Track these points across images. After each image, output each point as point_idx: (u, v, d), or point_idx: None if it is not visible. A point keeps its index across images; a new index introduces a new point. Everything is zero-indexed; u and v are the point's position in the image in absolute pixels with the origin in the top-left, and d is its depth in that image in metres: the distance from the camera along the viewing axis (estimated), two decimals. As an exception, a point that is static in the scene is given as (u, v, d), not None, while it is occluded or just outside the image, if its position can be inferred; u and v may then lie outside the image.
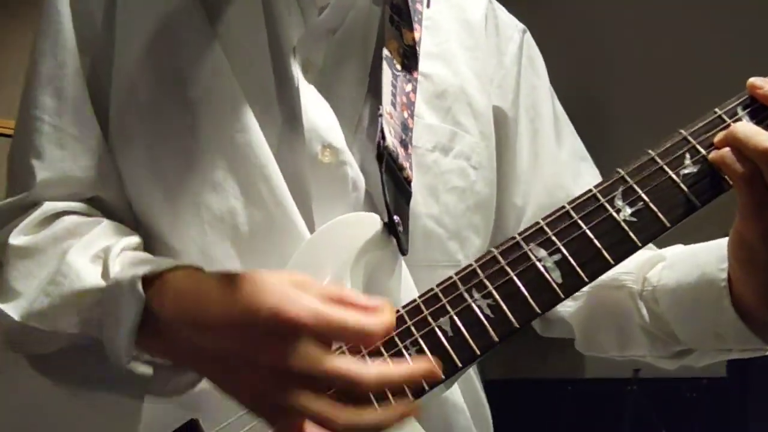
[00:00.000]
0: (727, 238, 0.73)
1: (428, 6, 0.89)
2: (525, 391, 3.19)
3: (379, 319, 0.62)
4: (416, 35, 0.86)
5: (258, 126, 0.77)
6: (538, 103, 0.97)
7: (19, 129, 0.82)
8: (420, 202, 0.81)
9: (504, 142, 0.92)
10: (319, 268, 0.73)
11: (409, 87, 0.83)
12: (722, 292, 0.73)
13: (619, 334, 0.88)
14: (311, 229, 0.76)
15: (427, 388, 0.65)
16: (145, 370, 0.69)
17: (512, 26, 0.99)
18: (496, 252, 0.68)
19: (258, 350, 0.60)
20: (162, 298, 0.65)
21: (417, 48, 0.85)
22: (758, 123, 0.67)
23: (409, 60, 0.83)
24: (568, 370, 3.13)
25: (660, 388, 2.67)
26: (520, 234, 0.69)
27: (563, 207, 0.68)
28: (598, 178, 0.91)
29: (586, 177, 0.96)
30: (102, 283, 0.69)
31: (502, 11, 1.00)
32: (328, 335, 0.61)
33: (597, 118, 3.12)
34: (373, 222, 0.76)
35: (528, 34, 1.01)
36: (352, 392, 0.60)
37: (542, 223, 0.68)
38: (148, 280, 0.65)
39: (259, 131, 0.77)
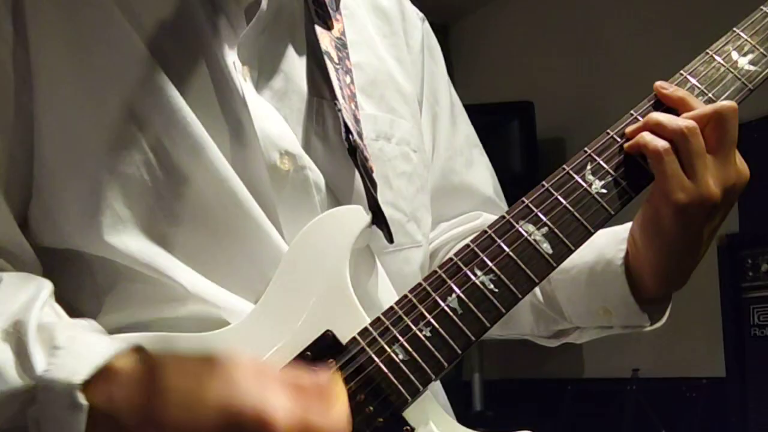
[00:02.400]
0: (622, 226, 0.84)
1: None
2: (524, 391, 3.19)
3: (340, 410, 0.59)
4: (341, 26, 0.86)
5: (211, 142, 0.73)
6: (438, 89, 1.00)
7: None
8: (377, 191, 0.81)
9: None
10: (311, 270, 0.72)
11: (348, 79, 0.83)
12: (618, 269, 0.83)
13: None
14: (280, 231, 0.75)
15: (446, 365, 0.69)
16: None
17: (415, 14, 1.00)
18: (489, 231, 0.74)
19: None
20: (108, 393, 0.57)
21: (344, 38, 0.85)
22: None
23: (341, 51, 0.84)
24: (567, 369, 3.13)
25: (659, 388, 2.67)
26: (508, 213, 0.75)
27: (542, 185, 0.76)
28: (488, 164, 1.06)
29: (477, 164, 1.03)
30: (26, 382, 0.58)
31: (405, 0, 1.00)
32: None
33: (597, 119, 3.13)
34: (360, 213, 0.76)
35: (427, 23, 1.01)
36: None
37: (527, 200, 0.75)
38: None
39: (215, 147, 0.72)
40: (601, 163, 0.78)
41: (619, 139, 0.80)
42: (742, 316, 2.45)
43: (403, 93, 0.90)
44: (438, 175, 0.97)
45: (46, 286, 0.68)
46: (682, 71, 0.85)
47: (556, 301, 0.90)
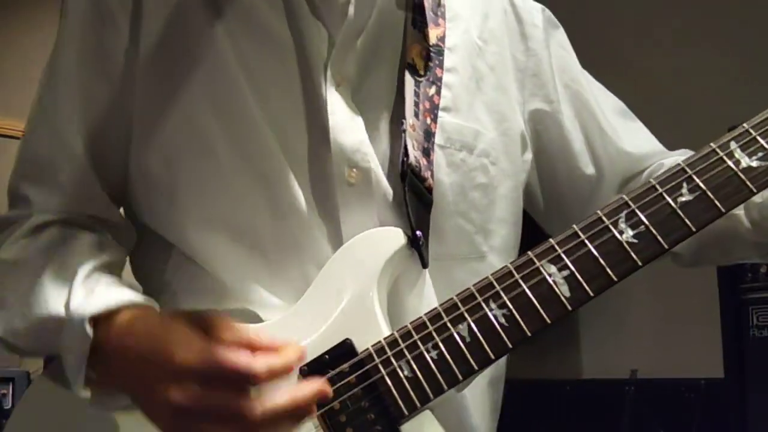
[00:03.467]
0: None
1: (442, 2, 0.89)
2: (523, 392, 3.19)
3: (266, 360, 0.67)
4: (440, 31, 0.87)
5: (277, 144, 0.79)
6: (573, 72, 1.00)
7: (19, 153, 0.87)
8: (450, 200, 0.84)
9: (551, 130, 0.96)
10: (343, 283, 0.77)
11: (432, 90, 0.84)
12: None
13: (722, 247, 0.92)
14: (338, 242, 0.79)
15: (446, 387, 0.72)
16: (86, 393, 0.74)
17: (532, 9, 1.00)
18: (511, 267, 0.75)
19: (161, 389, 0.66)
20: (107, 334, 0.72)
21: (442, 45, 0.86)
22: (749, 155, 0.74)
23: (432, 61, 0.85)
24: (566, 370, 3.13)
25: (658, 389, 2.67)
26: (532, 251, 0.75)
27: (572, 228, 0.75)
28: (645, 129, 1.03)
29: (640, 133, 1.02)
30: (62, 313, 0.73)
31: None
32: (211, 376, 0.66)
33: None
34: (397, 236, 0.79)
35: (547, 11, 1.03)
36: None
37: (553, 242, 0.75)
38: (101, 315, 0.72)
39: (279, 149, 0.79)
40: (637, 211, 0.74)
41: (659, 188, 0.75)
42: (741, 317, 2.45)
43: (491, 104, 0.90)
44: (618, 152, 0.98)
45: (114, 254, 0.82)
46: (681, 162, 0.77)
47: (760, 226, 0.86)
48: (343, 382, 0.74)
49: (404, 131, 0.80)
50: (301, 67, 0.81)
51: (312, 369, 0.74)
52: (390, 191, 0.81)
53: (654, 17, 2.91)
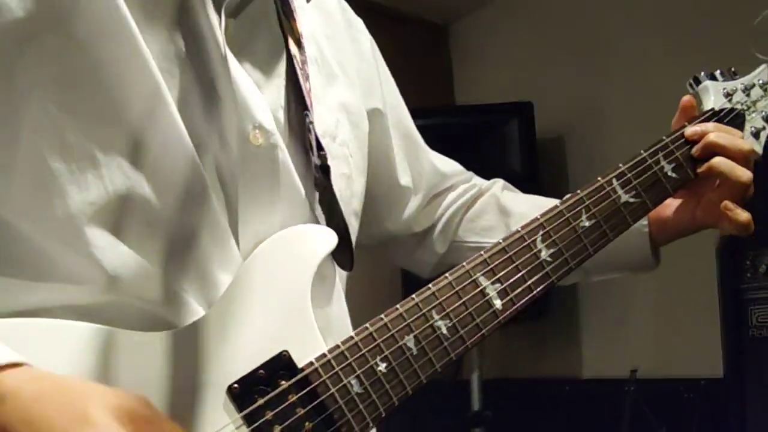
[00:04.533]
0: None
1: None
2: (522, 391, 3.19)
3: None
4: (297, 24, 0.83)
5: (171, 97, 0.66)
6: (393, 91, 1.03)
7: None
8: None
9: (380, 133, 0.97)
10: (275, 285, 0.69)
11: (308, 85, 0.81)
12: (642, 230, 0.99)
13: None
14: (235, 227, 0.70)
15: (396, 403, 0.71)
16: None
17: (357, 18, 1.00)
18: (450, 278, 0.77)
19: None
20: None
21: (301, 39, 0.83)
22: (626, 193, 0.91)
23: (302, 55, 0.82)
24: (565, 370, 3.13)
25: (658, 389, 2.67)
26: (467, 263, 0.79)
27: (498, 242, 0.81)
28: (451, 160, 1.12)
29: (445, 158, 1.10)
30: None
31: (345, 3, 1.00)
32: None
33: (597, 120, 3.12)
34: (330, 236, 0.75)
35: (362, 24, 1.02)
36: None
37: (485, 255, 0.80)
38: None
39: (171, 103, 0.66)
40: (550, 233, 0.84)
41: (566, 213, 0.86)
42: (741, 317, 2.45)
43: (342, 99, 0.88)
44: (429, 162, 1.05)
45: None
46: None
47: None
48: (285, 404, 0.65)
49: (312, 123, 0.76)
50: (191, 23, 0.70)
51: (244, 386, 0.64)
52: (297, 179, 0.74)
53: (653, 16, 2.91)
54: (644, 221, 0.99)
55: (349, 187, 0.86)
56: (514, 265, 0.80)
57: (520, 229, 0.83)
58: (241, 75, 0.71)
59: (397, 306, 0.74)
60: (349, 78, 0.91)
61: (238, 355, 0.65)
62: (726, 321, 2.49)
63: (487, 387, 2.87)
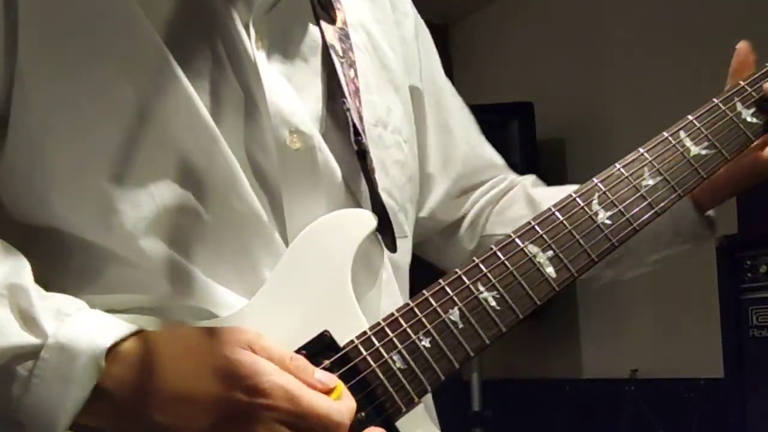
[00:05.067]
0: None
1: None
2: (523, 392, 3.19)
3: (345, 405, 0.62)
4: (342, 14, 0.83)
5: (207, 111, 0.68)
6: (435, 73, 1.01)
7: None
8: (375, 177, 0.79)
9: (418, 117, 0.95)
10: (314, 269, 0.70)
11: (351, 72, 0.80)
12: (688, 202, 0.91)
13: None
14: (282, 224, 0.71)
15: (442, 377, 0.69)
16: None
17: (405, 2, 0.99)
18: (495, 249, 0.74)
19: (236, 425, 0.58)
20: (117, 371, 0.58)
21: (346, 28, 0.83)
22: (697, 144, 0.83)
23: (344, 43, 0.82)
24: (565, 370, 3.13)
25: (658, 389, 2.67)
26: (514, 232, 0.75)
27: (549, 208, 0.77)
28: (494, 150, 1.07)
29: (488, 146, 1.06)
30: (34, 340, 0.58)
31: None
32: (298, 422, 0.59)
33: (597, 121, 3.12)
34: (368, 219, 0.74)
35: (412, 6, 1.01)
36: None
37: (533, 222, 0.75)
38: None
39: (209, 118, 0.68)
40: (608, 194, 0.78)
41: (624, 172, 0.81)
42: (741, 317, 2.45)
43: (395, 82, 0.88)
44: (460, 162, 1.00)
45: (23, 257, 0.64)
46: (640, 148, 0.85)
47: None
48: None
49: (348, 110, 0.75)
50: (221, 27, 0.71)
51: None
52: (337, 170, 0.75)
53: (654, 18, 2.91)
54: None
55: (403, 173, 0.85)
56: (567, 230, 0.75)
57: (572, 193, 0.78)
58: (274, 79, 0.72)
59: (440, 280, 0.72)
60: (400, 60, 0.91)
61: (281, 338, 0.66)
62: (726, 321, 2.49)
63: (488, 387, 2.88)
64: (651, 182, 0.79)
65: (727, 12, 2.68)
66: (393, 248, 0.78)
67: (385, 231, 0.77)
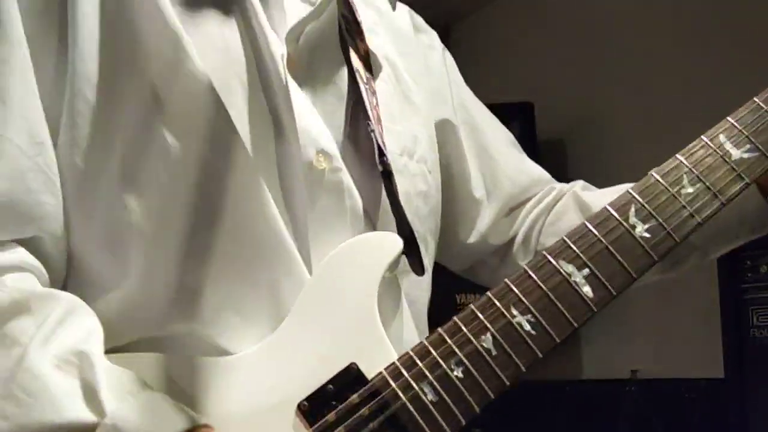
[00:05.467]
0: None
1: (393, 9, 0.89)
2: (522, 392, 3.18)
3: None
4: (365, 44, 0.84)
5: (236, 134, 0.68)
6: (467, 101, 1.01)
7: None
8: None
9: (452, 144, 0.95)
10: (339, 298, 0.68)
11: (375, 100, 0.80)
12: (753, 188, 0.81)
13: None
14: (305, 249, 0.70)
15: (477, 409, 0.65)
16: None
17: (430, 32, 1.01)
18: (527, 268, 0.69)
19: None
20: None
21: (368, 58, 0.84)
22: (738, 148, 0.77)
23: (368, 72, 0.82)
24: (565, 371, 3.12)
25: (658, 389, 2.67)
26: (546, 250, 0.70)
27: (583, 224, 0.72)
28: (537, 165, 1.04)
29: (529, 162, 1.04)
30: (92, 418, 0.56)
31: (418, 17, 1.01)
32: None
33: (598, 121, 3.12)
34: (395, 241, 0.72)
35: (437, 37, 1.03)
36: None
37: (567, 240, 0.71)
38: None
39: (238, 140, 0.68)
40: (645, 206, 0.73)
41: (662, 181, 0.75)
42: (742, 317, 2.45)
43: (419, 113, 0.88)
44: (507, 183, 0.99)
45: (93, 316, 0.64)
46: (677, 155, 0.79)
47: None
48: (354, 417, 0.62)
49: (373, 131, 0.74)
50: (255, 52, 0.73)
51: (314, 402, 0.63)
52: (358, 199, 0.74)
53: (655, 18, 2.91)
54: None
55: (426, 204, 0.85)
56: (603, 246, 0.70)
57: (607, 206, 0.73)
58: (303, 102, 0.73)
59: (471, 305, 0.67)
60: (425, 93, 0.91)
61: (307, 371, 0.64)
62: (727, 321, 2.49)
63: (488, 387, 2.87)
64: (691, 190, 0.74)
65: (728, 12, 2.67)
66: (421, 271, 0.75)
67: (412, 253, 0.74)
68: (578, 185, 1.02)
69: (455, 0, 3.55)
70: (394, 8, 0.89)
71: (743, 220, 0.87)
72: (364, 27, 0.86)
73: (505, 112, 3.43)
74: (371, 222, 0.75)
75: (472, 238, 0.97)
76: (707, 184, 0.74)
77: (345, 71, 0.79)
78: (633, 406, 2.69)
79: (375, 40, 0.88)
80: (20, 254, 0.64)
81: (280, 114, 0.72)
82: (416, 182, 0.83)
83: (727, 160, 0.76)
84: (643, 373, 2.72)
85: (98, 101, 0.67)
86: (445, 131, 0.94)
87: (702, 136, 0.78)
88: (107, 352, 0.63)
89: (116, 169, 0.67)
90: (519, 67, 3.42)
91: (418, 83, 0.90)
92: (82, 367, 0.58)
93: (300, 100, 0.73)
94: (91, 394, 0.57)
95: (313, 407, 0.63)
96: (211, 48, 0.70)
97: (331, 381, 0.64)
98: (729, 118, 0.79)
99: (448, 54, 1.02)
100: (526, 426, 3.04)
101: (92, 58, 0.67)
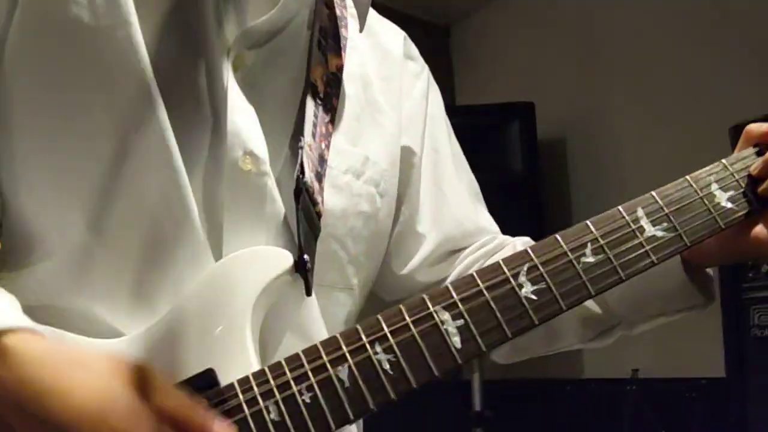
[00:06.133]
0: None
1: (360, 31, 0.88)
2: (523, 391, 3.19)
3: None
4: (340, 61, 0.85)
5: (169, 127, 0.70)
6: (438, 137, 1.00)
7: None
8: (329, 223, 0.79)
9: (409, 173, 0.94)
10: (217, 304, 0.69)
11: (328, 117, 0.81)
12: (675, 260, 0.81)
13: (548, 330, 0.89)
14: (218, 247, 0.72)
15: None
16: None
17: (421, 63, 1.01)
18: (402, 308, 0.68)
19: None
20: None
21: (340, 75, 0.84)
22: (654, 225, 0.74)
23: (331, 87, 0.82)
24: (566, 370, 3.13)
25: (659, 389, 2.67)
26: (428, 294, 0.69)
27: (471, 274, 0.70)
28: (490, 218, 1.02)
29: (484, 213, 1.02)
30: None
31: (413, 48, 1.01)
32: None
33: (598, 121, 3.12)
34: (284, 258, 0.72)
35: (427, 69, 1.02)
36: None
37: (450, 287, 0.69)
38: None
39: (170, 132, 0.70)
40: (539, 266, 0.70)
41: (564, 245, 0.72)
42: (742, 316, 2.45)
43: (384, 137, 0.89)
44: (451, 224, 0.97)
45: None
46: (653, 192, 0.76)
47: (605, 302, 0.86)
48: None
49: (301, 148, 0.74)
50: (203, 49, 0.74)
51: None
52: (281, 207, 0.75)
53: (656, 17, 2.91)
54: None
55: (367, 226, 0.84)
56: (485, 299, 0.68)
57: (501, 261, 0.70)
58: (240, 104, 0.74)
59: (337, 334, 0.67)
60: (397, 117, 0.92)
61: (170, 367, 0.66)
62: (727, 321, 2.49)
63: (488, 387, 2.88)
64: (592, 260, 0.71)
65: (728, 12, 2.68)
66: (308, 292, 0.75)
67: (300, 273, 0.74)
68: (524, 240, 1.01)
69: (455, 1, 3.56)
70: (361, 30, 0.88)
71: (664, 296, 0.85)
72: (348, 43, 0.87)
73: (505, 112, 3.46)
74: (291, 233, 0.76)
75: (404, 271, 0.96)
76: (610, 256, 0.71)
77: (301, 84, 0.80)
78: (634, 405, 2.69)
79: (356, 57, 0.88)
80: None
81: (218, 112, 0.73)
82: (358, 202, 0.83)
83: (638, 234, 0.72)
84: (644, 373, 2.72)
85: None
86: (405, 158, 0.93)
87: (619, 207, 0.74)
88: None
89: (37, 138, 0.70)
90: (519, 67, 3.43)
91: (391, 106, 0.91)
92: None
93: (238, 102, 0.74)
94: None
95: None
96: (164, 39, 0.72)
97: (188, 380, 0.65)
98: (653, 193, 0.75)
99: (434, 90, 1.01)
100: (527, 425, 3.04)
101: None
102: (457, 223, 0.98)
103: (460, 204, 0.99)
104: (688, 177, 0.77)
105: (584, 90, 3.15)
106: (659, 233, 0.73)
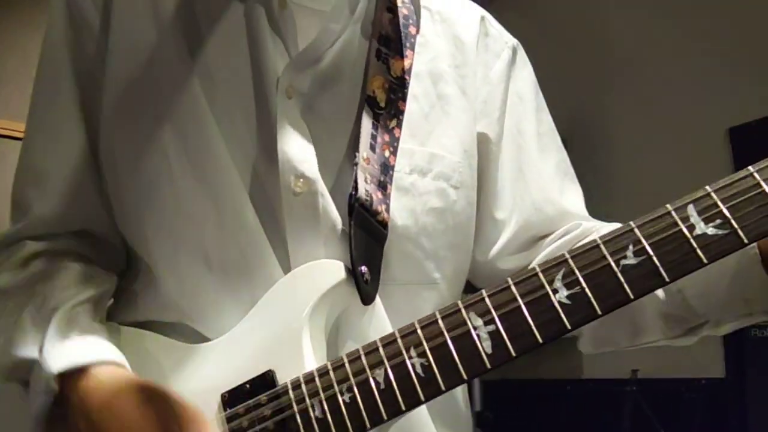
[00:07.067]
0: None
1: (417, 32, 0.89)
2: (524, 392, 3.19)
3: None
4: (407, 63, 0.86)
5: (230, 160, 0.80)
6: (523, 117, 0.98)
7: (20, 161, 0.88)
8: (399, 224, 0.82)
9: (486, 160, 0.93)
10: (277, 313, 0.78)
11: (393, 123, 0.83)
12: (754, 259, 0.74)
13: (631, 324, 0.88)
14: (286, 263, 0.78)
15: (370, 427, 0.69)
16: None
17: (502, 42, 0.99)
18: (438, 315, 0.70)
19: None
20: (72, 391, 0.71)
21: (407, 77, 0.85)
22: (707, 222, 0.67)
23: (395, 94, 0.84)
24: (566, 370, 3.13)
25: (658, 389, 2.67)
26: (462, 301, 0.70)
27: (506, 279, 0.69)
28: (581, 195, 0.99)
29: (570, 193, 0.99)
30: (35, 356, 0.74)
31: (494, 27, 1.00)
32: None
33: (598, 121, 3.12)
34: (337, 270, 0.77)
35: (520, 49, 1.01)
36: None
37: (485, 293, 0.69)
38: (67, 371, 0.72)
39: (232, 165, 0.79)
40: (575, 269, 0.68)
41: (607, 254, 0.68)
42: (742, 317, 2.45)
43: (457, 128, 0.89)
44: (530, 209, 0.95)
45: (100, 285, 0.83)
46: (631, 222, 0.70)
47: (686, 300, 0.82)
48: (257, 412, 0.73)
49: (356, 164, 0.79)
50: (255, 80, 0.81)
51: (232, 396, 0.75)
52: (338, 219, 0.80)
53: (654, 19, 2.91)
54: None
55: (442, 220, 0.86)
56: (517, 304, 0.68)
57: (536, 265, 0.69)
58: (292, 130, 0.80)
59: (377, 339, 0.71)
60: (471, 103, 0.91)
61: (237, 369, 0.76)
62: (727, 321, 2.49)
63: (489, 388, 2.88)
64: (632, 262, 0.67)
65: (728, 11, 2.67)
66: (366, 300, 0.78)
67: (356, 285, 0.78)
68: (610, 227, 0.93)
69: (455, 0, 3.55)
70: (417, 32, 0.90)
71: (747, 298, 0.78)
72: (418, 39, 0.89)
73: (505, 112, 3.42)
74: (350, 243, 0.79)
75: (487, 258, 0.95)
76: (653, 256, 0.67)
77: (357, 98, 0.83)
78: (633, 405, 2.69)
79: (426, 54, 0.90)
80: (58, 244, 0.86)
81: (267, 137, 0.80)
82: (426, 200, 0.85)
83: (687, 232, 0.66)
84: (644, 373, 2.72)
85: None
86: (481, 145, 0.93)
87: (668, 205, 0.68)
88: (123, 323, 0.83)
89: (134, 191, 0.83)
90: (519, 67, 3.43)
91: (465, 94, 0.91)
92: (49, 318, 0.76)
93: (290, 125, 0.80)
94: (42, 339, 0.75)
95: (231, 398, 0.75)
96: (217, 76, 0.81)
97: (250, 381, 0.75)
98: (707, 186, 0.68)
99: (521, 66, 1.00)
100: (527, 425, 3.04)
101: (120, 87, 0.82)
102: (537, 209, 0.95)
103: (542, 188, 0.96)
104: (750, 168, 0.68)
105: (584, 92, 3.15)
106: (710, 231, 0.66)
